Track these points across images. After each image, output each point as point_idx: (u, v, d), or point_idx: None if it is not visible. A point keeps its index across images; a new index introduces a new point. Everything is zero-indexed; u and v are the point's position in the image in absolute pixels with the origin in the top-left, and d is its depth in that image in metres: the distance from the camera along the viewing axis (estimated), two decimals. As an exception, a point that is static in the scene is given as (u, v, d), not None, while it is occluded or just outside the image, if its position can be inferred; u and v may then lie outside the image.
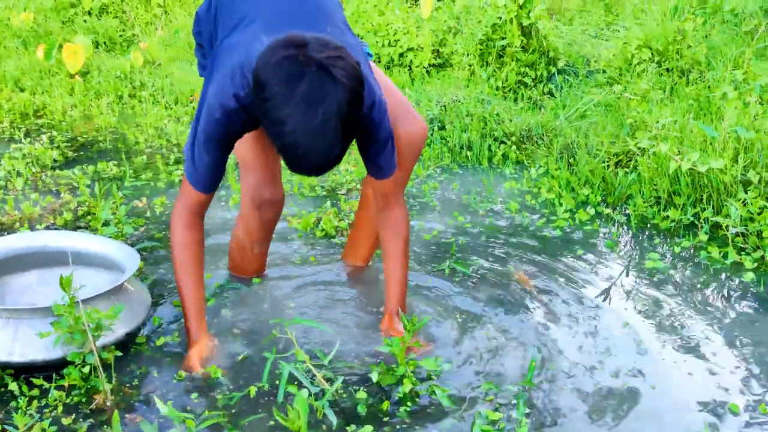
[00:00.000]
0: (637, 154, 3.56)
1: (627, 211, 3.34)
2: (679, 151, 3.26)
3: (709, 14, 5.56)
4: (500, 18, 4.82)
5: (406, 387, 2.02)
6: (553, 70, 4.86)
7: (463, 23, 5.51)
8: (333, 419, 1.90)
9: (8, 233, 2.99)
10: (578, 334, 2.38)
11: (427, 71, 5.23)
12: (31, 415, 1.93)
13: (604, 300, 2.63)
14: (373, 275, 2.73)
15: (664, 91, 4.27)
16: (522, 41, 4.80)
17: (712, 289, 2.71)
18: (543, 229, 3.20)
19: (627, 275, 2.81)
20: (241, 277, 2.67)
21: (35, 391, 2.03)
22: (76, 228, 3.08)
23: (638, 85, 4.26)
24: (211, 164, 2.07)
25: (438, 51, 5.33)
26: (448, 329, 2.39)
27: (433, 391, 2.02)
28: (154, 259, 2.84)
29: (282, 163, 2.57)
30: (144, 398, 2.03)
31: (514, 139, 4.09)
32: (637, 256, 2.97)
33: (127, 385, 2.08)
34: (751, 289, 2.67)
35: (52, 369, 2.06)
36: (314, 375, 2.02)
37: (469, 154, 4.02)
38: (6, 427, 1.88)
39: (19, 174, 3.70)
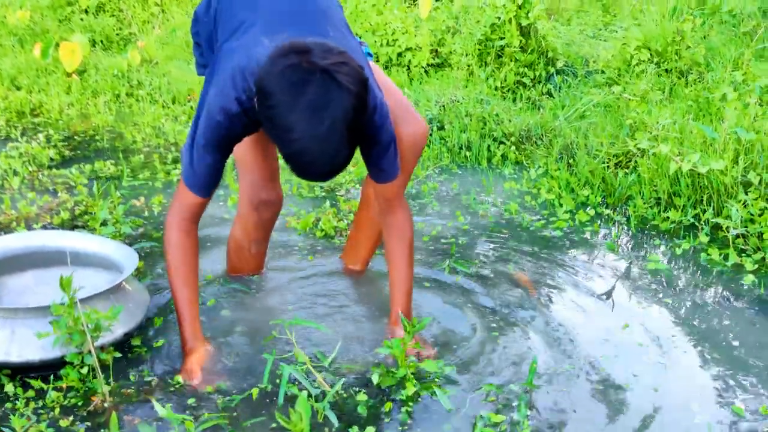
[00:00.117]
0: (637, 155, 3.55)
1: (627, 212, 3.33)
2: (679, 152, 3.25)
3: (707, 15, 5.56)
4: (499, 18, 4.81)
5: (409, 390, 2.00)
6: (552, 70, 4.85)
7: (461, 23, 5.50)
8: (334, 421, 1.88)
9: (5, 233, 2.97)
10: (579, 336, 2.37)
11: (426, 71, 5.21)
12: (27, 417, 1.91)
13: (605, 301, 2.61)
14: (373, 276, 2.71)
15: (663, 92, 4.27)
16: (521, 41, 4.79)
17: (713, 290, 2.70)
18: (543, 230, 3.19)
19: (627, 276, 2.80)
20: (239, 277, 2.66)
21: (32, 393, 2.01)
22: (73, 227, 3.05)
23: (637, 85, 4.25)
24: (210, 167, 2.06)
25: (436, 51, 5.32)
26: (448, 330, 2.38)
27: (434, 393, 2.01)
28: (152, 258, 2.82)
29: (281, 163, 2.56)
30: (142, 400, 2.01)
31: (513, 139, 4.08)
32: (637, 258, 2.96)
33: (125, 386, 2.06)
34: (752, 290, 2.66)
35: (49, 370, 2.04)
36: (314, 377, 2.01)
37: (468, 154, 4.01)
38: (2, 428, 1.86)
39: (15, 173, 3.68)
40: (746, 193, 3.04)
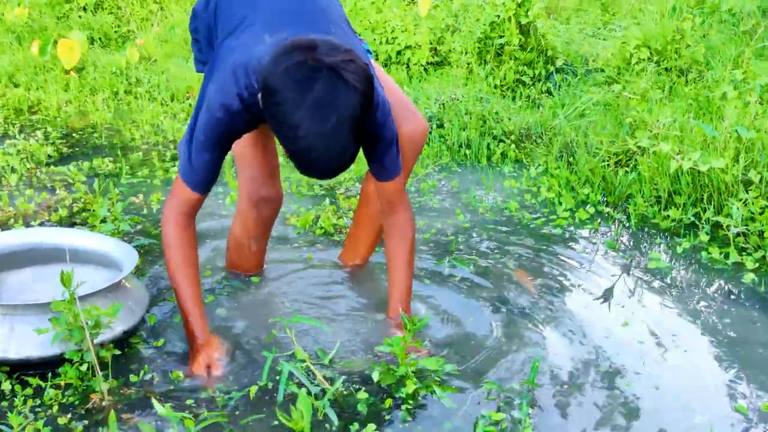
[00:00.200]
0: (637, 154, 3.55)
1: (627, 211, 3.32)
2: (679, 151, 3.24)
3: (706, 14, 5.55)
4: (498, 16, 4.80)
5: (409, 388, 1.99)
6: (552, 68, 4.84)
7: (461, 21, 5.49)
8: (334, 419, 1.87)
9: (3, 230, 2.96)
10: (580, 334, 2.36)
11: (425, 69, 5.20)
12: (25, 415, 1.90)
13: (606, 299, 2.61)
14: (372, 273, 2.70)
15: (663, 91, 4.26)
16: (520, 40, 4.78)
17: (714, 289, 2.69)
18: (543, 228, 3.18)
19: (628, 274, 2.79)
20: (239, 274, 2.65)
21: (29, 390, 1.99)
22: (71, 225, 3.04)
23: (637, 84, 4.25)
24: (208, 163, 2.05)
25: (436, 49, 5.31)
26: (448, 328, 2.37)
27: (434, 391, 2.00)
28: (151, 256, 2.80)
29: (281, 160, 2.54)
30: (141, 398, 2.00)
31: (513, 137, 4.07)
32: (638, 256, 2.95)
33: (124, 385, 2.05)
34: (753, 289, 2.66)
35: (47, 367, 2.03)
36: (314, 375, 2.00)
37: (467, 152, 4.00)
38: (0, 426, 1.84)
39: (13, 170, 3.66)
40: (747, 192, 3.04)
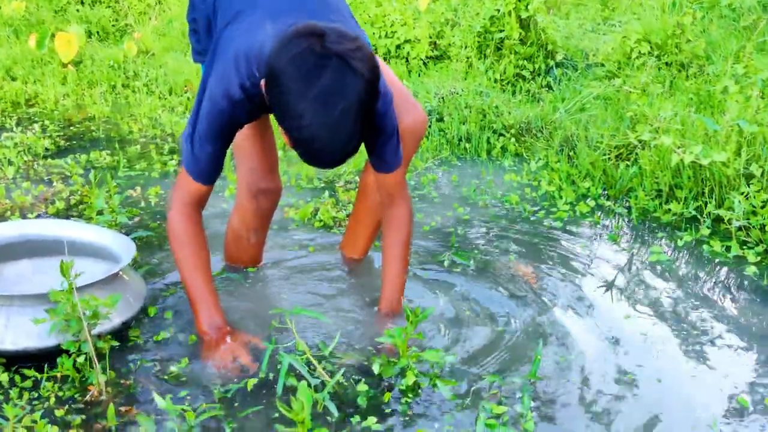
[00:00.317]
0: (638, 147, 3.53)
1: (628, 204, 3.31)
2: (680, 144, 3.22)
3: (706, 9, 5.54)
4: (498, 10, 4.77)
5: (410, 380, 1.97)
6: (552, 63, 4.82)
7: (460, 15, 5.46)
8: (334, 411, 1.85)
9: (-1, 222, 2.94)
10: (581, 327, 2.34)
11: (425, 63, 5.18)
12: (22, 407, 1.88)
13: (607, 292, 2.59)
14: (372, 265, 2.68)
15: (664, 85, 4.24)
16: (520, 34, 4.75)
17: (716, 282, 2.68)
18: (543, 221, 3.16)
19: (630, 267, 2.77)
20: (237, 267, 2.63)
21: (28, 383, 1.97)
22: (68, 217, 3.02)
23: (637, 78, 4.23)
24: (212, 154, 2.02)
25: (435, 43, 5.29)
26: (449, 321, 2.35)
27: (435, 384, 1.98)
28: (149, 249, 2.78)
29: (279, 153, 2.53)
30: (139, 391, 1.98)
31: (513, 131, 4.05)
32: (639, 249, 2.93)
33: (122, 377, 2.03)
34: (755, 282, 2.64)
35: (45, 359, 2.00)
36: (314, 367, 1.98)
37: (467, 146, 3.98)
38: (-4, 418, 1.83)
39: (10, 163, 3.64)
40: (748, 185, 3.02)
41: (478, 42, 4.89)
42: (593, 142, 3.73)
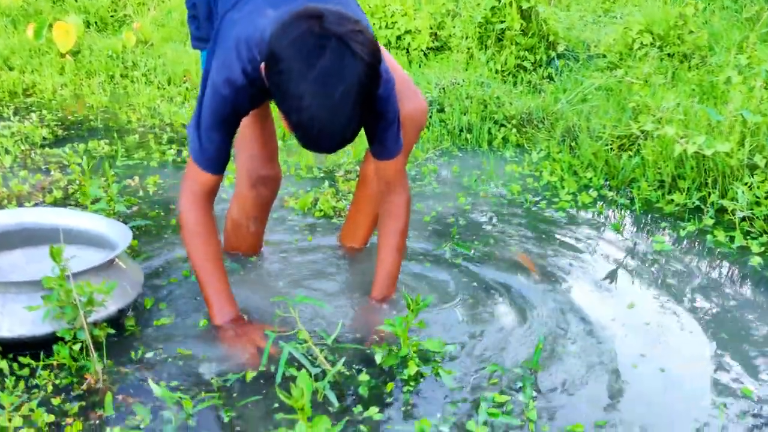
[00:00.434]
0: (641, 138, 3.50)
1: (630, 195, 3.28)
2: (683, 135, 3.20)
3: (708, 0, 5.51)
4: (499, 1, 4.75)
5: (411, 369, 1.95)
6: (553, 54, 4.79)
7: (461, 6, 5.43)
8: (334, 401, 1.83)
9: (-4, 210, 2.90)
10: (584, 316, 2.32)
11: (425, 54, 5.15)
12: (18, 395, 1.86)
13: (610, 282, 2.57)
14: (372, 254, 2.65)
15: (666, 76, 4.21)
16: (521, 25, 4.73)
17: (719, 272, 2.65)
18: (545, 211, 3.14)
19: (632, 257, 2.75)
20: (236, 256, 2.60)
21: (25, 371, 1.95)
22: (65, 206, 2.99)
23: (640, 69, 4.20)
24: (219, 143, 2.00)
25: (436, 34, 5.25)
26: (450, 311, 2.33)
27: (437, 373, 1.96)
28: (147, 237, 2.75)
29: (279, 142, 2.49)
30: (136, 379, 1.95)
31: (514, 122, 4.03)
32: (642, 239, 2.91)
33: (119, 365, 2.00)
34: (759, 272, 2.62)
35: (41, 347, 1.98)
36: (315, 355, 1.95)
37: (468, 136, 3.95)
38: (-7, 406, 1.80)
39: (7, 152, 3.61)
40: (752, 176, 3.00)
41: (479, 33, 4.86)
42: (595, 133, 3.70)
